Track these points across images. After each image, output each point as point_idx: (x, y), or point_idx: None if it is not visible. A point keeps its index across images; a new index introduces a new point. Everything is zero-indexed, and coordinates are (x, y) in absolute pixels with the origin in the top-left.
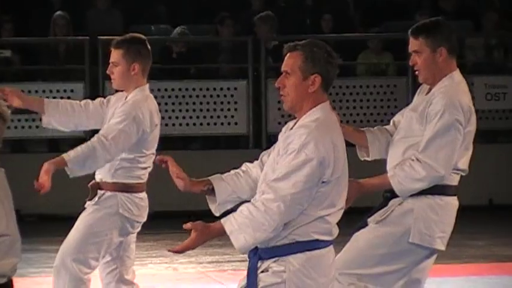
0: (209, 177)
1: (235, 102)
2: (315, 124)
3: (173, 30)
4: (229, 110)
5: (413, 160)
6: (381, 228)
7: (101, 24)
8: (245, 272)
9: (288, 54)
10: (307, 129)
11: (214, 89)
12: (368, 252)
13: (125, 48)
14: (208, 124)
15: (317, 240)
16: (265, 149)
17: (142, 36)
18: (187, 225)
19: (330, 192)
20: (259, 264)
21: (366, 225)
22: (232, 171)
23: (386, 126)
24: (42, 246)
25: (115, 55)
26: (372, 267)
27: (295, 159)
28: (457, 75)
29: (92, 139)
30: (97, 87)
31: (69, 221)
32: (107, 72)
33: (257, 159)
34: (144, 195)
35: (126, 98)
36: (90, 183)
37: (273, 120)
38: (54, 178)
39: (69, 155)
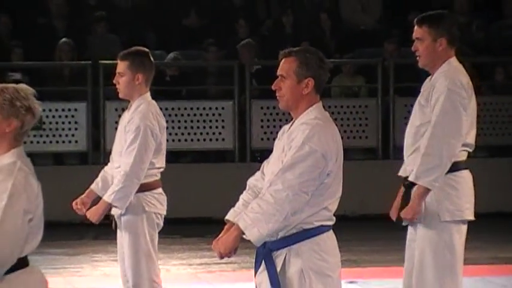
0: (231, 221)
1: (223, 121)
2: (316, 121)
3: (166, 55)
4: (217, 127)
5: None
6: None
7: (101, 49)
8: (232, 273)
9: (283, 60)
10: (309, 126)
11: (204, 108)
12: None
13: (130, 59)
14: (198, 140)
15: (321, 226)
16: (249, 162)
17: (146, 49)
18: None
19: (331, 183)
20: (273, 256)
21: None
22: (240, 201)
23: None
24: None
25: (121, 66)
26: None
27: (300, 151)
28: (453, 60)
29: (121, 173)
30: (98, 107)
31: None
32: (114, 81)
33: (242, 172)
34: (161, 190)
35: (130, 107)
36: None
37: (256, 136)
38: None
39: (111, 197)
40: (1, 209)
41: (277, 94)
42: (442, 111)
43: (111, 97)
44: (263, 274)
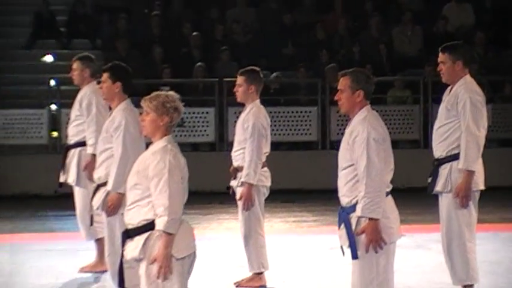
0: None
1: (310, 120)
2: (367, 119)
3: (271, 74)
4: (305, 125)
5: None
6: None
7: (225, 71)
8: (316, 228)
9: (341, 78)
10: (364, 125)
11: (297, 112)
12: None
13: (246, 75)
14: (292, 134)
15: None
16: (328, 150)
17: (257, 68)
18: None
19: (389, 158)
20: (349, 217)
21: (431, 193)
22: None
23: None
24: (187, 211)
25: (240, 80)
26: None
27: (370, 147)
28: (468, 77)
29: (247, 159)
30: (223, 111)
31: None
32: (234, 90)
33: (323, 157)
34: (266, 168)
35: (245, 109)
36: (232, 168)
37: (333, 131)
38: (194, 167)
39: (247, 176)
40: (167, 180)
41: (338, 103)
42: (470, 115)
43: (232, 104)
44: (343, 230)
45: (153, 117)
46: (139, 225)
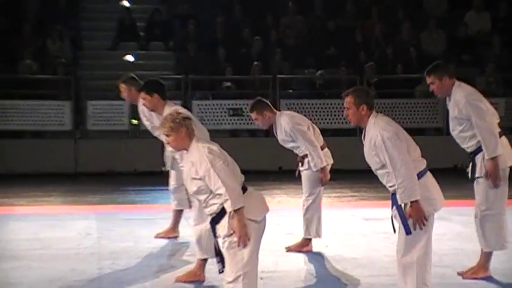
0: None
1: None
2: (376, 124)
3: (316, 72)
4: (342, 113)
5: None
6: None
7: (281, 69)
8: (354, 202)
9: (345, 97)
10: (376, 130)
11: (337, 104)
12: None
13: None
14: (335, 122)
15: (420, 172)
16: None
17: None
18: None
19: (408, 144)
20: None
21: (473, 180)
22: None
23: None
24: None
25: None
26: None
27: (387, 146)
28: (457, 83)
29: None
30: (276, 103)
31: (254, 173)
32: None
33: (360, 143)
34: (326, 149)
35: (277, 123)
36: (298, 157)
37: None
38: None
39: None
40: (214, 172)
41: (347, 118)
42: (475, 113)
43: (283, 97)
44: (395, 211)
45: (174, 137)
46: (218, 211)
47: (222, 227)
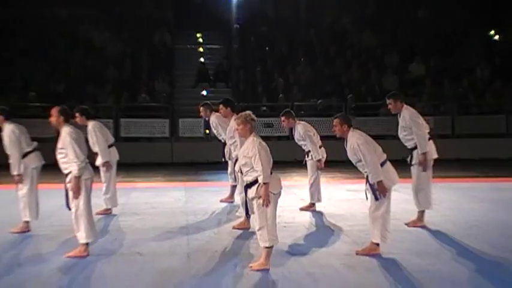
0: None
1: None
2: (352, 136)
3: (317, 101)
4: None
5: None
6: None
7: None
8: (341, 180)
9: (334, 120)
10: (353, 139)
11: None
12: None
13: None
14: None
15: (382, 162)
16: None
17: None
18: None
19: (374, 146)
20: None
21: (411, 166)
22: None
23: None
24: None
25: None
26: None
27: (361, 149)
28: (405, 106)
29: None
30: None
31: (283, 163)
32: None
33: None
34: (323, 148)
35: (295, 130)
36: (305, 152)
37: None
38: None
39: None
40: (259, 157)
41: (334, 132)
42: (414, 125)
43: (297, 116)
44: (367, 186)
45: (242, 127)
46: (253, 180)
47: (252, 191)
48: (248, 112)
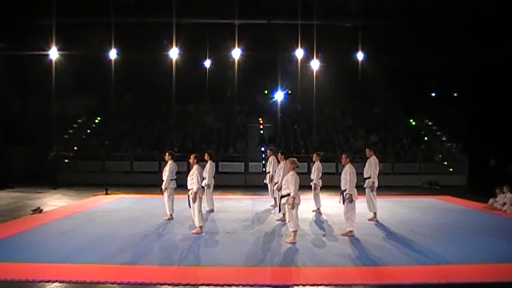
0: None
1: None
2: (348, 166)
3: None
4: None
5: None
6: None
7: None
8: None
9: (342, 154)
10: (347, 168)
11: None
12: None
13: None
14: None
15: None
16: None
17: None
18: None
19: (355, 176)
20: (345, 193)
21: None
22: None
23: None
24: None
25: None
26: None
27: (349, 174)
28: (372, 154)
29: None
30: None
31: None
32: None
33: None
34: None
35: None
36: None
37: None
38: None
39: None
40: (292, 180)
41: (341, 161)
42: (373, 167)
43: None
44: (341, 195)
45: (290, 165)
46: (286, 194)
47: (285, 199)
48: (295, 159)
